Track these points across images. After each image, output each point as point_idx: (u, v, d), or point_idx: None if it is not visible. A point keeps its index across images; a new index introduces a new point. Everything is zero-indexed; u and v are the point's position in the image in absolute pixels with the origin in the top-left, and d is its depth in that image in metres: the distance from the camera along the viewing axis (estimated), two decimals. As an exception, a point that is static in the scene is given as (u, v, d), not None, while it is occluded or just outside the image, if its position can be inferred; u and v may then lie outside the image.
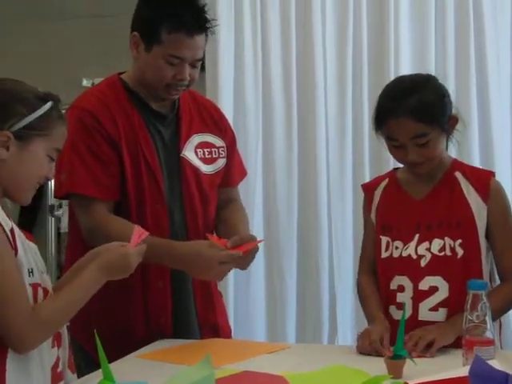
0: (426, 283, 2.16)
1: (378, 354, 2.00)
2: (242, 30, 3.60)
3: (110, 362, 1.65)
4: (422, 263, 2.18)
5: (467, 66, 3.40)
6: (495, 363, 1.50)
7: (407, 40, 3.48)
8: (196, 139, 2.39)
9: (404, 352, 1.85)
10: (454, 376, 1.58)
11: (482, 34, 3.40)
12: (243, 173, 2.60)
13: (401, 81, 2.27)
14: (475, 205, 2.18)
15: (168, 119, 2.37)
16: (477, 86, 3.40)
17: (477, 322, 1.81)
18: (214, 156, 2.42)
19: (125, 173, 2.26)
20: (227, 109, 3.31)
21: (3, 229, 1.63)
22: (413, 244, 2.19)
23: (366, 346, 2.05)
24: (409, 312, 2.13)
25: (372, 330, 2.11)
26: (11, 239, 1.65)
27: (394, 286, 2.20)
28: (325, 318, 3.55)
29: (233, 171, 2.51)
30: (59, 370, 1.76)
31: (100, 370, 1.63)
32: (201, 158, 2.39)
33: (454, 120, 2.21)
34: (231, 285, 3.52)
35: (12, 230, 1.66)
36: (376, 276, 2.27)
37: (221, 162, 2.44)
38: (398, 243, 2.21)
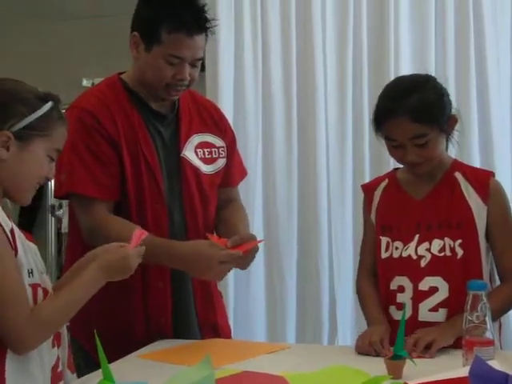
0: (425, 283, 2.16)
1: (377, 354, 2.01)
2: (242, 30, 3.60)
3: (109, 362, 1.65)
4: (422, 263, 2.18)
5: (467, 68, 3.40)
6: (495, 364, 1.50)
7: (407, 42, 3.48)
8: (196, 139, 2.39)
9: (404, 352, 1.85)
10: (454, 376, 1.58)
11: (482, 35, 3.39)
12: (243, 173, 2.60)
13: (400, 81, 2.27)
14: (475, 205, 2.18)
15: (168, 119, 2.37)
16: (477, 88, 3.40)
17: (477, 323, 1.81)
18: (214, 156, 2.42)
19: (125, 173, 2.26)
20: (227, 109, 3.31)
21: (3, 229, 1.63)
22: (413, 244, 2.19)
23: (366, 346, 2.05)
24: (409, 312, 2.13)
25: (372, 331, 2.11)
26: (11, 240, 1.65)
27: (394, 286, 2.20)
28: (325, 318, 3.55)
29: (233, 171, 2.51)
30: (59, 370, 1.76)
31: (100, 370, 1.63)
32: (201, 158, 2.39)
33: (454, 120, 2.21)
34: (231, 285, 3.52)
35: (12, 231, 1.66)
36: (376, 277, 2.27)
37: (221, 162, 2.44)
38: (398, 243, 2.21)
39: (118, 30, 2.92)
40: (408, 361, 1.83)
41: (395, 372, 1.80)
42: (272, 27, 3.60)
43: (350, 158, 3.55)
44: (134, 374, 1.90)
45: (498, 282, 2.23)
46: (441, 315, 2.14)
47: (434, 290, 2.16)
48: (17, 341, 1.63)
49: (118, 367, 1.85)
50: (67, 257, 2.45)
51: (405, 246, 2.20)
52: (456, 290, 2.12)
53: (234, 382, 1.84)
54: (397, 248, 2.21)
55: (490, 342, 1.82)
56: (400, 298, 2.18)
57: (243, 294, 3.59)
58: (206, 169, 2.40)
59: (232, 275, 3.39)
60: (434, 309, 2.15)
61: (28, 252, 1.70)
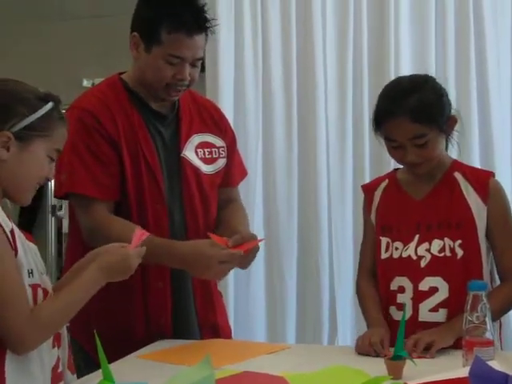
0: (425, 284, 2.16)
1: (377, 355, 2.01)
2: (242, 29, 3.60)
3: (109, 362, 1.65)
4: (422, 264, 2.18)
5: (467, 69, 3.40)
6: (495, 364, 1.50)
7: (407, 43, 3.48)
8: (196, 139, 2.39)
9: (404, 353, 1.85)
10: (454, 377, 1.58)
11: (482, 37, 3.39)
12: (243, 173, 2.60)
13: (399, 82, 2.27)
14: (475, 205, 2.18)
15: (168, 119, 2.37)
16: (477, 90, 3.40)
17: (477, 323, 1.81)
18: (214, 156, 2.42)
19: (125, 173, 2.26)
20: (227, 109, 3.31)
21: (3, 230, 1.63)
22: (413, 245, 2.19)
23: (366, 346, 2.05)
24: (409, 313, 2.13)
25: (372, 332, 2.11)
26: (11, 240, 1.64)
27: (394, 286, 2.20)
28: (325, 318, 3.55)
29: (233, 171, 2.51)
30: (59, 370, 1.76)
31: (100, 370, 1.63)
32: (201, 158, 2.39)
33: (453, 120, 2.21)
34: (231, 285, 3.51)
35: (12, 231, 1.66)
36: (375, 278, 2.27)
37: (221, 162, 2.44)
38: (398, 244, 2.21)
39: (117, 30, 2.92)
40: (408, 361, 1.83)
41: (395, 372, 1.80)
42: (272, 25, 3.59)
43: (350, 155, 3.55)
44: (133, 375, 1.90)
45: (498, 282, 2.23)
46: (441, 315, 2.14)
47: (434, 290, 2.16)
48: (16, 341, 1.62)
49: (118, 367, 1.84)
50: (67, 257, 2.45)
51: (405, 246, 2.21)
52: (456, 290, 2.12)
53: (234, 382, 1.84)
54: (397, 248, 2.21)
55: (490, 343, 1.82)
56: (400, 298, 2.18)
57: (243, 293, 3.59)
58: (206, 169, 2.40)
59: (232, 275, 3.39)
60: (434, 309, 2.15)
61: (28, 252, 1.70)
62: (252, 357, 2.09)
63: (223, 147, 2.45)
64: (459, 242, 2.16)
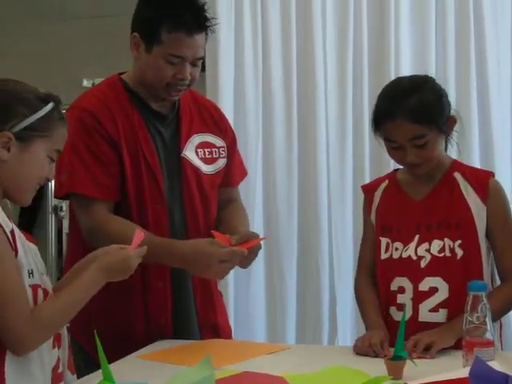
0: (425, 284, 2.16)
1: (376, 355, 2.01)
2: (243, 28, 3.60)
3: (110, 362, 1.65)
4: (422, 264, 2.17)
5: (468, 69, 3.40)
6: (495, 364, 1.50)
7: (407, 43, 3.48)
8: (196, 139, 2.39)
9: (404, 353, 1.85)
10: (454, 377, 1.58)
11: (482, 37, 3.39)
12: (243, 173, 2.60)
13: (398, 82, 2.27)
14: (474, 205, 2.18)
15: (168, 119, 2.37)
16: (477, 90, 3.40)
17: (477, 324, 1.81)
18: (214, 156, 2.43)
19: (125, 173, 2.26)
20: (227, 109, 3.31)
21: (3, 230, 1.63)
22: (412, 245, 2.19)
23: (365, 347, 2.05)
24: (409, 313, 2.13)
25: (373, 334, 2.10)
26: (11, 240, 1.64)
27: (394, 287, 2.20)
28: (325, 318, 3.55)
29: (233, 171, 2.51)
30: (60, 370, 1.76)
31: (100, 370, 1.63)
32: (201, 158, 2.39)
33: (453, 121, 2.21)
34: (231, 284, 3.52)
35: (12, 231, 1.66)
36: (374, 278, 2.27)
37: (221, 162, 2.44)
38: (398, 244, 2.21)
39: (118, 30, 2.93)
40: (408, 361, 1.83)
41: (395, 372, 1.80)
42: (272, 25, 3.59)
43: (350, 155, 3.55)
44: (134, 375, 1.90)
45: (498, 283, 2.23)
46: (441, 316, 2.14)
47: (434, 290, 2.16)
48: (16, 342, 1.62)
49: (118, 367, 1.85)
50: (67, 258, 2.45)
51: (405, 246, 2.20)
52: (456, 290, 2.12)
53: (234, 382, 1.84)
54: (397, 249, 2.21)
55: (490, 343, 1.82)
56: (400, 298, 2.18)
57: (243, 293, 3.59)
58: (206, 169, 2.40)
59: (232, 275, 3.39)
60: (435, 309, 2.15)
61: (28, 253, 1.70)
62: (252, 357, 2.09)
63: (223, 147, 2.45)
64: (459, 242, 2.16)
